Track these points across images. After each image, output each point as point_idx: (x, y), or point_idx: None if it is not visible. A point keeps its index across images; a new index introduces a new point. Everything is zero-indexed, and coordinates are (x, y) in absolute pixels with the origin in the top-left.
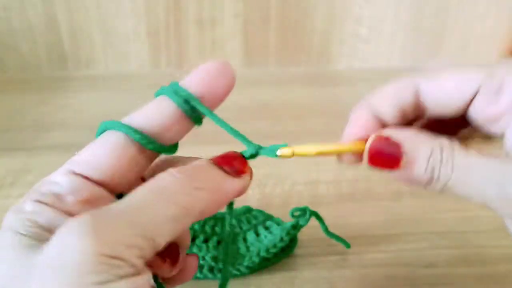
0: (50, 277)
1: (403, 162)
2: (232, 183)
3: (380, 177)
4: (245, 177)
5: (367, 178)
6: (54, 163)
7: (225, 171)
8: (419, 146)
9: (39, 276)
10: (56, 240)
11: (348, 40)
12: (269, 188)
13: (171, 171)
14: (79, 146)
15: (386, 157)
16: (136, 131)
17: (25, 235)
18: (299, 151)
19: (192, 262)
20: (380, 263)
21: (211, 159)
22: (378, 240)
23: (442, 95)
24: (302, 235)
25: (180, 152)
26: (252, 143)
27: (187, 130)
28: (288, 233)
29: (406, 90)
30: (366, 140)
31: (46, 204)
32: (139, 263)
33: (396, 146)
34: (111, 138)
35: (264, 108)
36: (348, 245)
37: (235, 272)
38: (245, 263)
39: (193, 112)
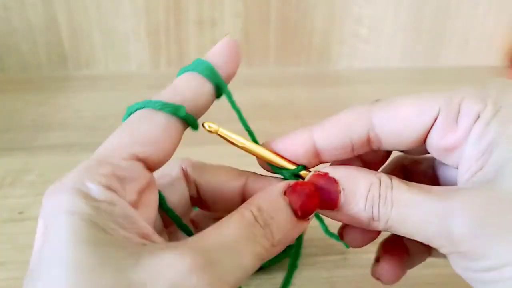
0: None
1: (340, 201)
2: (300, 229)
3: None
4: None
5: None
6: (54, 163)
7: (296, 216)
8: (357, 183)
9: None
10: (166, 271)
11: (348, 40)
12: None
13: (258, 216)
14: (79, 146)
15: (324, 196)
16: (179, 107)
17: (102, 230)
18: (224, 133)
19: None
20: None
21: (288, 197)
22: (378, 240)
23: (398, 126)
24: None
25: (181, 152)
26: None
27: (210, 104)
28: None
29: (358, 123)
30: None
31: (114, 191)
32: None
33: (333, 182)
34: (159, 118)
35: (264, 108)
36: (348, 245)
37: None
38: None
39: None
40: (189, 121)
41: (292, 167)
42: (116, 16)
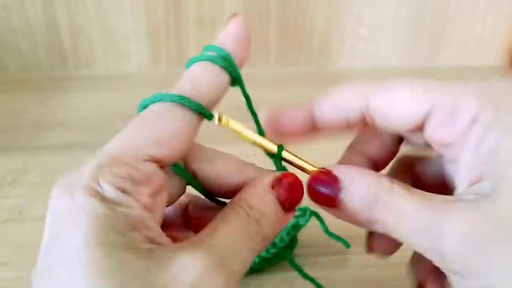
0: None
1: (340, 199)
2: (287, 220)
3: None
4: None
5: None
6: (54, 163)
7: (284, 207)
8: (358, 183)
9: None
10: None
11: (348, 40)
12: None
13: (250, 214)
14: (79, 146)
15: (325, 192)
16: (197, 104)
17: (115, 231)
18: (234, 126)
19: None
20: (380, 263)
21: (275, 191)
22: None
23: (391, 113)
24: (302, 235)
25: None
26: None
27: (225, 94)
28: (288, 233)
29: (354, 102)
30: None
31: (128, 194)
32: None
33: (335, 180)
34: (177, 114)
35: (263, 108)
36: (348, 245)
37: None
38: None
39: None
40: (206, 114)
41: (300, 162)
42: (116, 16)
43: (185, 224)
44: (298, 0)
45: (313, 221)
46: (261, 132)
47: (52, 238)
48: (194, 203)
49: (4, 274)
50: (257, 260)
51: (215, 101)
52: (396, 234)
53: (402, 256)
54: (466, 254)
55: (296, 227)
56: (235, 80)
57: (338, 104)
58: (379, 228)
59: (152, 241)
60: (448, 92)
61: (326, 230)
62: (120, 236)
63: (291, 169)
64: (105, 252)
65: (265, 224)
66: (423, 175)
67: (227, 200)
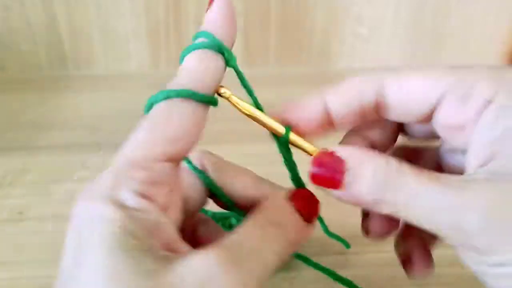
0: None
1: (345, 181)
2: (309, 231)
3: None
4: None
5: None
6: (53, 163)
7: (302, 217)
8: (364, 164)
9: None
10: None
11: (348, 40)
12: None
13: (270, 219)
14: (79, 146)
15: (328, 173)
16: (202, 95)
17: (135, 237)
18: (235, 100)
19: None
20: (380, 263)
21: (291, 201)
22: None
23: (406, 96)
24: None
25: None
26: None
27: (222, 76)
28: None
29: (369, 89)
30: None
31: (147, 198)
32: None
33: (340, 161)
34: (186, 109)
35: (264, 107)
36: (348, 245)
37: None
38: None
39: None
40: (212, 102)
41: (302, 141)
42: (116, 16)
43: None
44: (298, 0)
45: None
46: (259, 109)
47: (74, 246)
48: (205, 225)
49: (3, 274)
50: None
51: (216, 86)
52: (406, 215)
53: None
54: (488, 230)
55: None
56: (229, 61)
57: (353, 92)
58: (385, 209)
59: (168, 247)
60: (460, 76)
61: (326, 230)
62: (136, 241)
63: (295, 152)
64: (121, 257)
65: (287, 228)
66: (416, 164)
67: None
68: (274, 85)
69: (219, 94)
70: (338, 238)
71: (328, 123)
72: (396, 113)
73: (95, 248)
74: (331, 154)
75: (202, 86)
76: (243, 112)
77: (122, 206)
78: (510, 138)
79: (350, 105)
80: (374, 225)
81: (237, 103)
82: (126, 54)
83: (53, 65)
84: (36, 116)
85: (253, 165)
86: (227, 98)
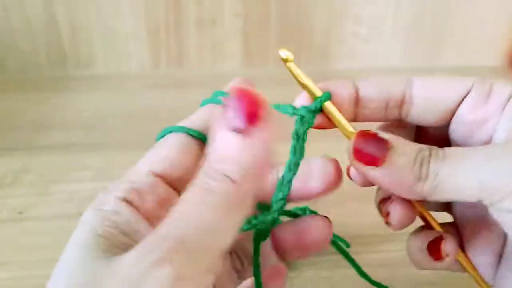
0: None
1: (389, 156)
2: (253, 148)
3: None
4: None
5: None
6: (53, 163)
7: (237, 130)
8: (409, 145)
9: (112, 286)
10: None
11: (348, 40)
12: None
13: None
14: (79, 146)
15: (372, 148)
16: (195, 131)
17: (102, 236)
18: (294, 69)
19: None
20: (380, 263)
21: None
22: (378, 240)
23: (433, 91)
24: None
25: None
26: None
27: None
28: None
29: (398, 84)
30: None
31: (127, 202)
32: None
33: (383, 140)
34: (179, 139)
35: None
36: (348, 245)
37: None
38: None
39: None
40: (202, 139)
41: (342, 118)
42: (116, 16)
43: None
44: (298, 0)
45: None
46: None
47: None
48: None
49: (3, 274)
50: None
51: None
52: (450, 184)
53: (402, 256)
54: None
55: None
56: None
57: (384, 83)
58: (426, 186)
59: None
60: (482, 77)
61: None
62: (101, 239)
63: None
64: (80, 253)
65: (220, 159)
66: None
67: None
68: (274, 85)
69: (283, 58)
70: (338, 238)
71: (355, 104)
72: (419, 111)
73: (68, 245)
74: (375, 134)
75: (200, 125)
76: (298, 82)
77: (100, 210)
78: None
79: (380, 93)
80: (397, 213)
81: (294, 71)
82: (126, 54)
83: (53, 65)
84: (36, 116)
85: None
86: (285, 62)
